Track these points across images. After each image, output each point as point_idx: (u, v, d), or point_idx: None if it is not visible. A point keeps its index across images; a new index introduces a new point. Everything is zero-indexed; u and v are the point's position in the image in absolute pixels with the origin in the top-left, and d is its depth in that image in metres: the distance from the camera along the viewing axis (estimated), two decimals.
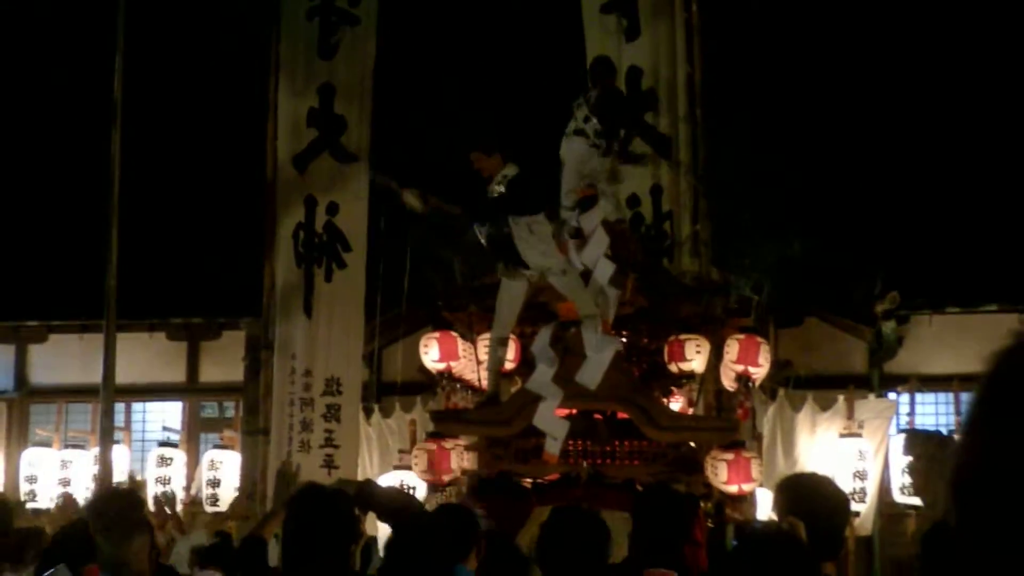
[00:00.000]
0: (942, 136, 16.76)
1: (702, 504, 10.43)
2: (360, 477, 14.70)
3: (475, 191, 10.27)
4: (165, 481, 15.62)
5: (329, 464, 14.01)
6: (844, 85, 17.08)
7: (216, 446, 15.96)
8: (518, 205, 10.11)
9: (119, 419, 16.76)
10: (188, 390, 18.62)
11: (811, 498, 4.58)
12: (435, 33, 17.78)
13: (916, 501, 12.66)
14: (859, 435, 14.15)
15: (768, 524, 4.74)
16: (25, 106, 19.16)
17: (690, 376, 11.24)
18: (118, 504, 6.79)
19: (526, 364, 10.84)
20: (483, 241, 10.15)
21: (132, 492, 7.17)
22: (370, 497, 6.30)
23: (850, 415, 14.22)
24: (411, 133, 16.24)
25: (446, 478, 10.84)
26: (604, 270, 10.57)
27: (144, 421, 18.70)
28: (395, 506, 6.21)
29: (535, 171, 10.55)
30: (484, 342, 11.24)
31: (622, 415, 10.43)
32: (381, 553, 5.79)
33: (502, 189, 10.09)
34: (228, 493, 14.98)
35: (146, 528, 6.58)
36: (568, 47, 14.02)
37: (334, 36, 14.58)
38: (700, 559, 5.95)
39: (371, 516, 6.80)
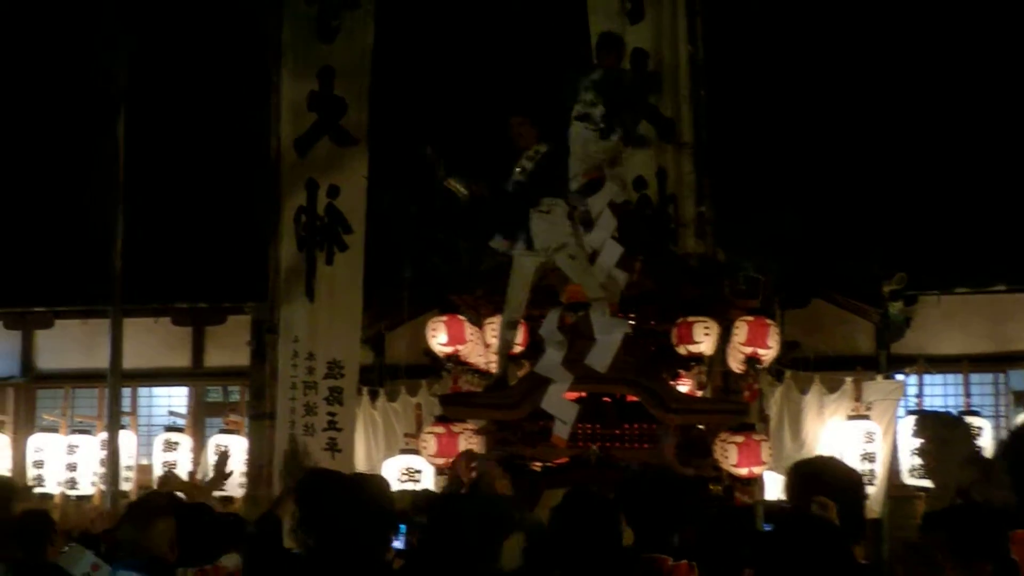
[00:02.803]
0: (951, 114, 16.65)
1: (711, 487, 10.43)
2: (366, 461, 14.74)
3: (502, 162, 10.25)
4: (172, 466, 15.61)
5: (332, 447, 14.00)
6: (850, 61, 16.95)
7: (221, 431, 15.97)
8: (546, 183, 10.14)
9: (125, 404, 16.77)
10: (194, 375, 18.56)
11: (834, 481, 4.56)
12: (436, 16, 17.70)
13: (926, 483, 12.59)
14: (867, 417, 14.12)
15: (799, 507, 4.69)
16: (29, 90, 19.08)
17: (698, 358, 11.21)
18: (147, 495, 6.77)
19: (534, 347, 10.81)
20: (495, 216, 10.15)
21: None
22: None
23: (858, 397, 14.19)
24: (412, 115, 16.15)
25: None
26: (611, 252, 10.54)
27: (150, 406, 18.65)
28: None
29: (564, 153, 10.54)
30: (491, 326, 11.21)
31: (631, 398, 10.40)
32: None
33: (530, 165, 10.09)
34: (234, 477, 14.95)
35: (168, 514, 6.58)
36: (573, 31, 13.92)
37: (334, 19, 14.55)
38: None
39: None
